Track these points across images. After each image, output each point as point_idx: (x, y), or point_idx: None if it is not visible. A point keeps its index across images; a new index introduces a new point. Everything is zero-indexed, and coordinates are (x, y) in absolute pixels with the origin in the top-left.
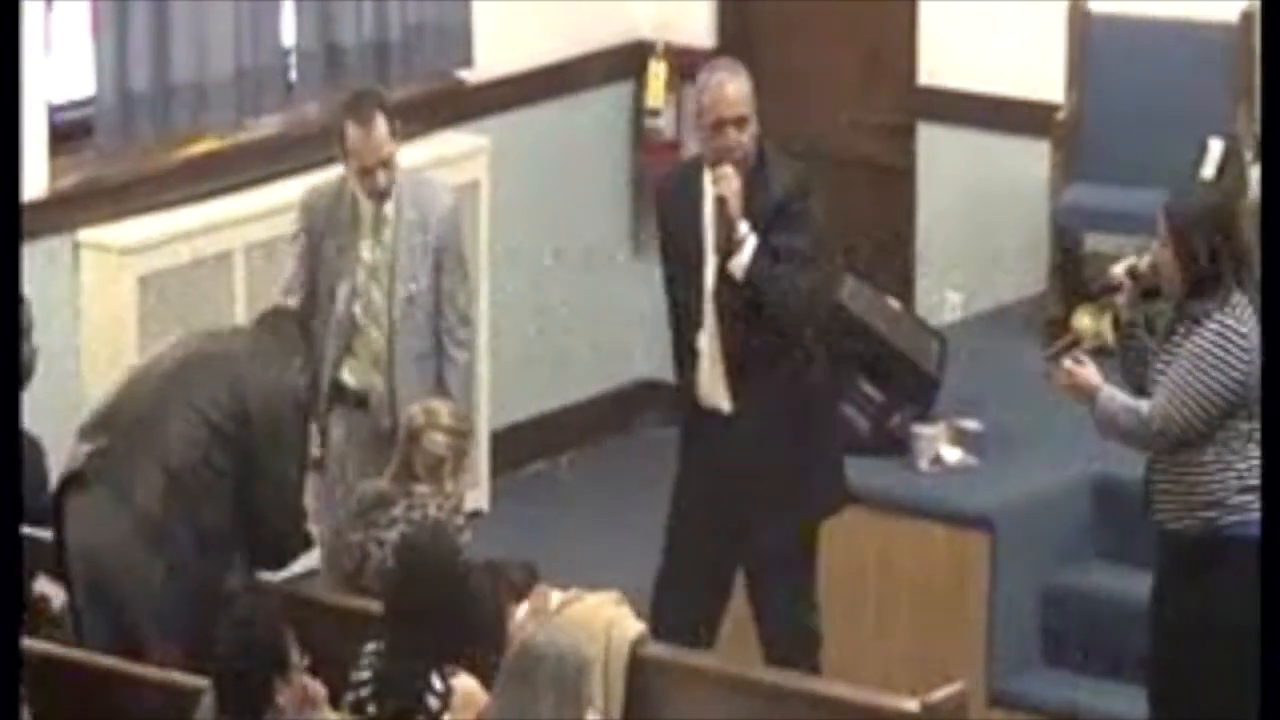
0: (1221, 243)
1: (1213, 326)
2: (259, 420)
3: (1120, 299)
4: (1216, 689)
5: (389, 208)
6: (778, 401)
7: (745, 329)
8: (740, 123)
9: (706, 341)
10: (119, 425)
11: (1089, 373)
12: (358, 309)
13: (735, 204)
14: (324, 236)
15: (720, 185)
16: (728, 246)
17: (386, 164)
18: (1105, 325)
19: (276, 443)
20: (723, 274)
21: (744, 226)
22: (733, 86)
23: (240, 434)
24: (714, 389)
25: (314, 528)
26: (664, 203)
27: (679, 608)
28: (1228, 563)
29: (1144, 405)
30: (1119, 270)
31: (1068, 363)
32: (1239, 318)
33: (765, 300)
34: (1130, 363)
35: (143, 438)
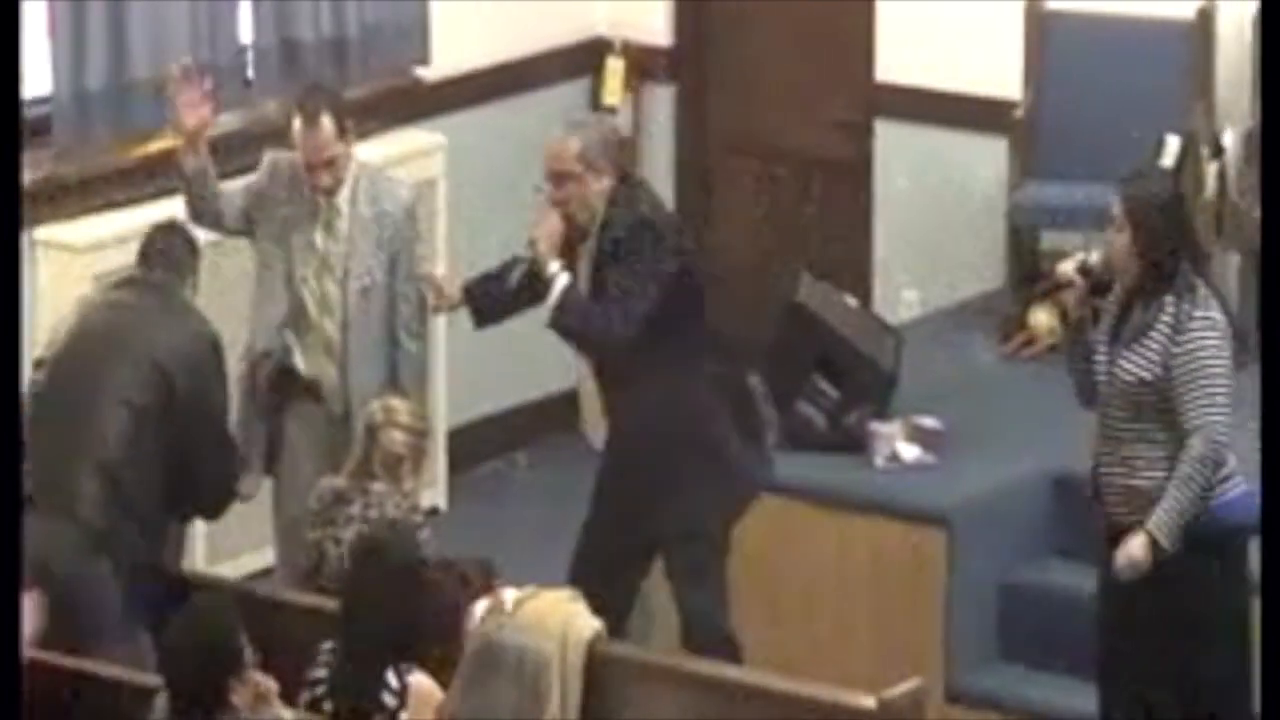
0: (1179, 229)
1: (1197, 324)
2: (183, 382)
3: (1069, 296)
4: (1169, 682)
5: (343, 202)
6: (640, 424)
7: (592, 363)
8: (559, 178)
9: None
10: (49, 426)
11: (1135, 546)
12: (308, 298)
13: (546, 244)
14: (279, 205)
15: (532, 228)
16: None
17: (330, 164)
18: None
19: (203, 396)
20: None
21: (553, 266)
22: (561, 145)
23: (168, 404)
24: (593, 421)
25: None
26: None
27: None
28: (1186, 552)
29: (1191, 450)
30: (1068, 267)
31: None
32: (1212, 308)
33: (569, 336)
34: (1076, 359)
35: (73, 442)
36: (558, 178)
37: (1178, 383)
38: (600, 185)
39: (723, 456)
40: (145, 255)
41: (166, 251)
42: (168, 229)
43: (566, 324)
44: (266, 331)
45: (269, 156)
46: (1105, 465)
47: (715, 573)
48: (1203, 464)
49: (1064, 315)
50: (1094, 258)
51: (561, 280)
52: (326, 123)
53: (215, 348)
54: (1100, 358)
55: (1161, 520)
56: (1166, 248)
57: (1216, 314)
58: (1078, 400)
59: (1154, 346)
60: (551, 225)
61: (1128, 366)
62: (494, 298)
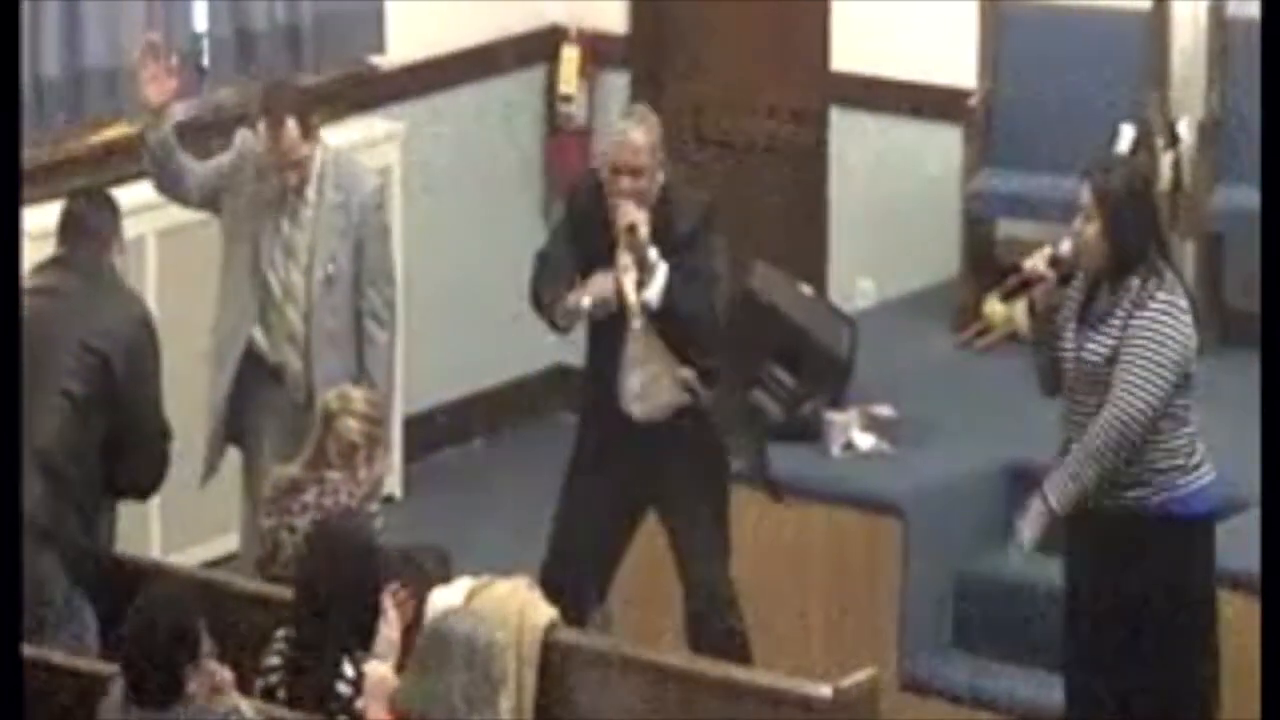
0: (1149, 216)
1: (1157, 305)
2: (120, 366)
3: (1039, 290)
4: (1144, 669)
5: (309, 190)
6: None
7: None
8: (635, 172)
9: (632, 352)
10: None
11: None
12: (274, 284)
13: (644, 232)
14: (247, 184)
15: (625, 216)
16: (639, 273)
17: (296, 165)
18: (1017, 312)
19: (141, 379)
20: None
21: (653, 253)
22: (634, 137)
23: (106, 390)
24: (637, 393)
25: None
26: (574, 207)
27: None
28: (1154, 541)
29: (1101, 421)
30: (1036, 262)
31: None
32: (1177, 293)
33: (678, 320)
34: (1043, 348)
35: None
36: (633, 172)
37: (1122, 354)
38: (661, 177)
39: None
40: (65, 228)
41: (85, 221)
42: (83, 197)
43: (677, 308)
44: (233, 314)
45: (241, 134)
46: (1072, 449)
47: (722, 542)
48: (1108, 434)
49: (1031, 306)
50: (1064, 248)
51: (663, 266)
52: (292, 125)
53: (147, 325)
54: (1067, 344)
55: (1053, 484)
56: (1136, 235)
57: (1181, 300)
58: (1040, 389)
59: (1115, 324)
60: (638, 214)
61: (1091, 348)
62: None
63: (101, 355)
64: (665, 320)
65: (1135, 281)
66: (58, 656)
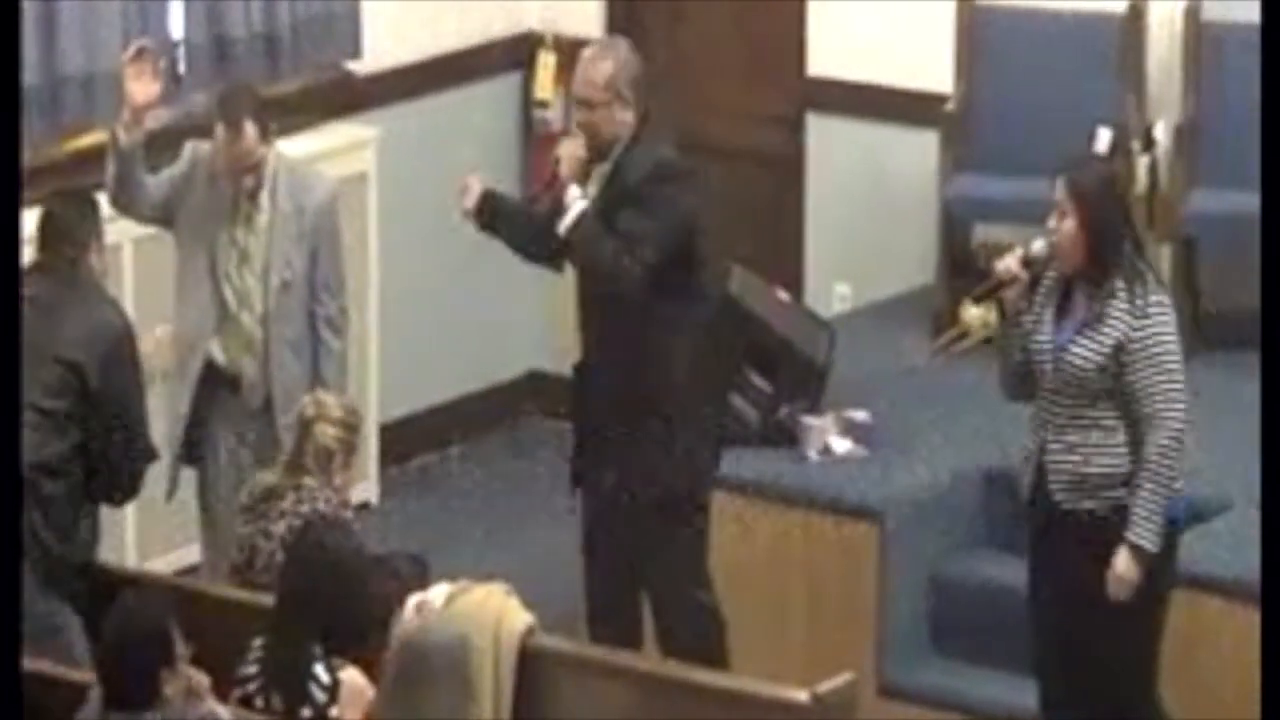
0: (1122, 213)
1: (1155, 311)
2: (96, 378)
3: (1011, 291)
4: (1121, 669)
5: (263, 196)
6: (621, 358)
7: (582, 284)
8: (588, 105)
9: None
10: None
11: (1121, 563)
12: (228, 292)
13: (567, 166)
14: (198, 196)
15: (560, 148)
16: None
17: (253, 169)
18: (994, 316)
19: (118, 389)
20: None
21: (574, 190)
22: (594, 67)
23: (82, 401)
24: (573, 338)
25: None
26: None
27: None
28: (1114, 549)
29: (1154, 445)
30: (1009, 264)
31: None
32: (1163, 294)
33: (579, 263)
34: (1012, 349)
35: None
36: (586, 104)
37: (1137, 369)
38: (624, 116)
39: (695, 414)
40: (43, 232)
41: (63, 224)
42: (62, 199)
43: (580, 250)
44: (190, 325)
45: (189, 146)
46: (1051, 453)
47: (689, 536)
48: (1166, 457)
49: (1000, 306)
50: (1036, 247)
51: (579, 205)
52: (250, 130)
53: (126, 332)
54: (1043, 345)
55: (1142, 529)
56: (1111, 232)
57: (1167, 299)
58: (1003, 392)
59: (1108, 332)
60: (574, 147)
61: (1079, 353)
62: (511, 213)
63: (74, 366)
64: (578, 261)
65: (1118, 285)
66: (35, 665)
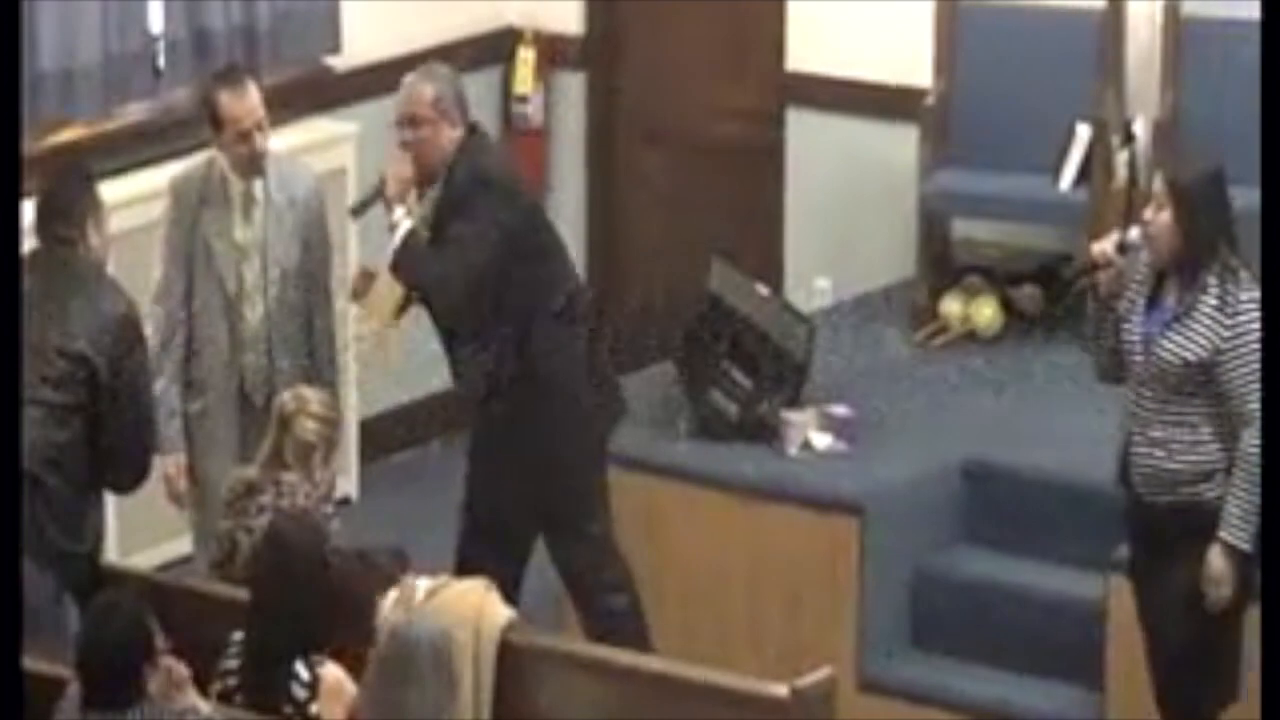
0: (1221, 208)
1: (1249, 306)
2: (104, 369)
3: (1104, 276)
4: (1207, 658)
5: (258, 187)
6: (479, 377)
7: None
8: (413, 123)
9: None
10: None
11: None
12: (231, 288)
13: (393, 186)
14: (197, 220)
15: (386, 169)
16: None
17: (262, 128)
18: (974, 310)
19: (126, 379)
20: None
21: (399, 210)
22: (417, 88)
23: (90, 394)
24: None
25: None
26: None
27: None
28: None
29: (1246, 445)
30: (1104, 247)
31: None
32: (1255, 289)
33: (405, 283)
34: (1105, 335)
35: None
36: (412, 121)
37: (1231, 367)
38: (453, 133)
39: (573, 399)
40: (39, 214)
41: (58, 202)
42: (58, 178)
43: (406, 269)
44: (187, 318)
45: (169, 183)
46: (1136, 447)
47: (592, 528)
48: (1256, 454)
49: (1004, 302)
50: (1133, 235)
51: (405, 225)
52: (253, 88)
53: (131, 320)
54: (1133, 336)
55: (1238, 528)
56: (1205, 228)
57: (1258, 294)
58: (1098, 376)
59: (1199, 329)
60: (401, 169)
61: (1170, 347)
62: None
63: (80, 358)
64: (407, 283)
65: (1210, 280)
66: (43, 665)
